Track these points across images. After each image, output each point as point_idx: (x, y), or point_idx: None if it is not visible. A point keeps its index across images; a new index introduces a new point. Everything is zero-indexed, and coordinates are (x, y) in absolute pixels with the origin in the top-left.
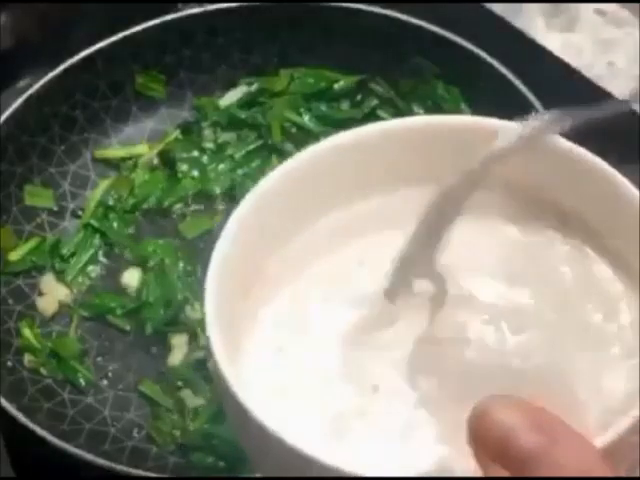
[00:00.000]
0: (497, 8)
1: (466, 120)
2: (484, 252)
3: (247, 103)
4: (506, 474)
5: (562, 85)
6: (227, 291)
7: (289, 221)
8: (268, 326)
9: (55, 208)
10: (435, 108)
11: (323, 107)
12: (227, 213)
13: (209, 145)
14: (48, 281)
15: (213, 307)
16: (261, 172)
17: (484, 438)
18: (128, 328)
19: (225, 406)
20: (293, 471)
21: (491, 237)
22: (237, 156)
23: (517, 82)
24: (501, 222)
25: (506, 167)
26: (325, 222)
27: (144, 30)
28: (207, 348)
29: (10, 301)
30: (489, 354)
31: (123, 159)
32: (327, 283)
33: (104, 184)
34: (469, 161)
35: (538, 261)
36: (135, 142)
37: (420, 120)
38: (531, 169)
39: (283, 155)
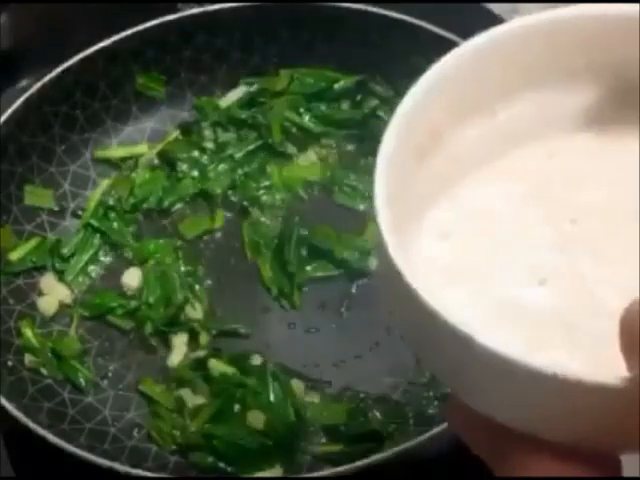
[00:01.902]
0: (497, 8)
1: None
2: None
3: (247, 103)
4: None
5: None
6: (402, 155)
7: (473, 101)
8: (438, 210)
9: (55, 208)
10: None
11: (323, 107)
12: (227, 213)
13: (209, 145)
14: (48, 281)
15: (384, 174)
16: (261, 172)
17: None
18: (128, 328)
19: (385, 284)
20: (460, 357)
21: None
22: (237, 156)
23: None
24: None
25: None
26: (509, 112)
27: (144, 30)
28: (376, 226)
29: (10, 301)
30: None
31: (123, 159)
32: (507, 178)
33: (104, 184)
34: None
35: None
36: (135, 142)
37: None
38: None
39: (283, 155)
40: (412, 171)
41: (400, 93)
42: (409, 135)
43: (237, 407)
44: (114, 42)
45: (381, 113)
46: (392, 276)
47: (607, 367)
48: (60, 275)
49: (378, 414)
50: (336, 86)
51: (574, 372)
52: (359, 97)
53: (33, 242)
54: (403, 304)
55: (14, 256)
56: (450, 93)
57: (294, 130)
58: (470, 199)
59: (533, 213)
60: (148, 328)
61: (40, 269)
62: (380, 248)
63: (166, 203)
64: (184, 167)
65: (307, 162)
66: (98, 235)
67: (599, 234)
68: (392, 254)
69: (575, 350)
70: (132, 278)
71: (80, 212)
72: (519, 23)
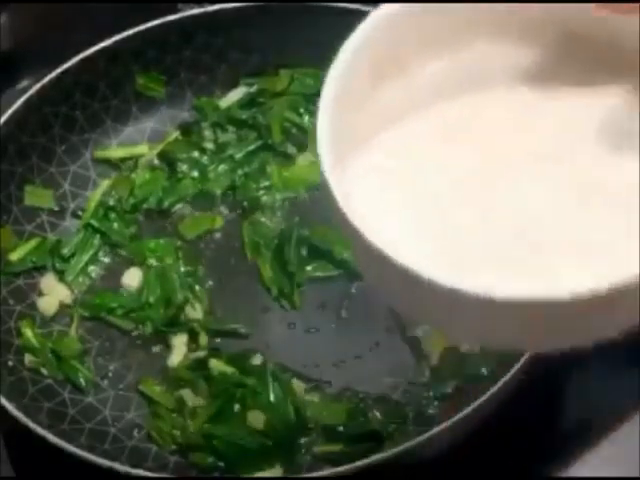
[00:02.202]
0: None
1: None
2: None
3: (247, 103)
4: None
5: None
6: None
7: (420, 46)
8: (379, 150)
9: (55, 208)
10: None
11: None
12: (227, 213)
13: (209, 145)
14: (48, 281)
15: (327, 117)
16: (261, 172)
17: None
18: (128, 328)
19: (336, 220)
20: (398, 284)
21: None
22: (237, 156)
23: None
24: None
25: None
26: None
27: (144, 30)
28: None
29: (10, 301)
30: None
31: (123, 159)
32: (446, 123)
33: (104, 184)
34: None
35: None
36: (135, 142)
37: None
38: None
39: (283, 155)
40: (364, 99)
41: None
42: (361, 62)
43: (237, 407)
44: (114, 42)
45: None
46: (338, 214)
47: (530, 282)
48: (60, 275)
49: (378, 414)
50: None
51: (500, 291)
52: None
53: (33, 242)
54: (349, 234)
55: (14, 256)
56: (405, 30)
57: (294, 130)
58: (407, 137)
59: (459, 155)
60: (148, 328)
61: (40, 269)
62: (325, 186)
63: (166, 203)
64: (184, 167)
65: (307, 162)
66: (98, 235)
67: (517, 174)
68: (336, 195)
69: (493, 268)
70: (132, 278)
71: (80, 212)
72: None
